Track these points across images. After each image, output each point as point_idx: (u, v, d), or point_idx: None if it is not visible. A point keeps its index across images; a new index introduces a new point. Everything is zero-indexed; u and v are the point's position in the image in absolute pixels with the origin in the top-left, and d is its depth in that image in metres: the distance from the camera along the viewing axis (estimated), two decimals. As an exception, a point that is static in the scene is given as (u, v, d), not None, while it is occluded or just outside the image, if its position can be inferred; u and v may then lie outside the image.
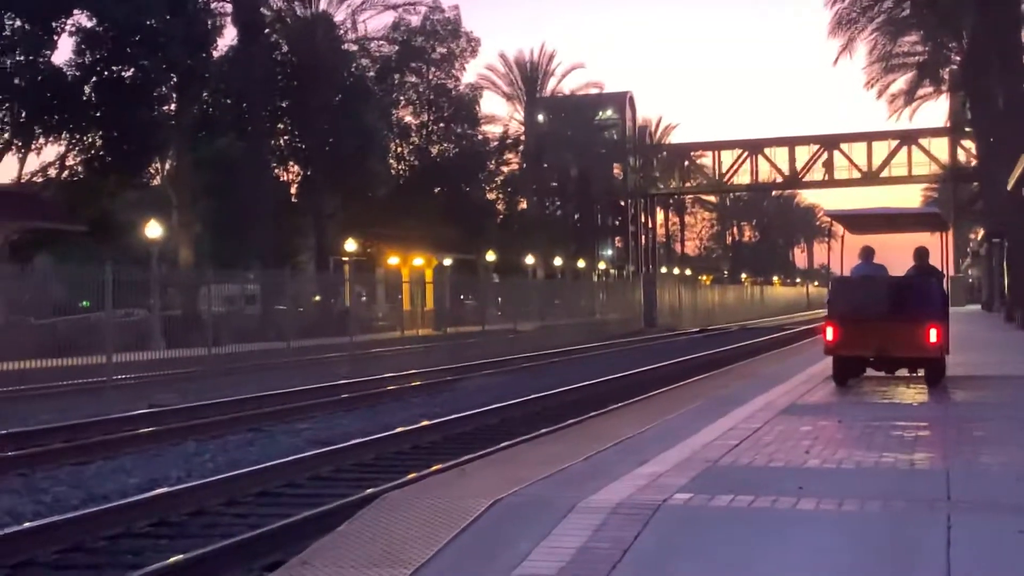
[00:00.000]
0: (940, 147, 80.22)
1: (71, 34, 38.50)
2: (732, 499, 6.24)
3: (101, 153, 39.49)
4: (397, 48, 61.51)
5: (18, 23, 36.50)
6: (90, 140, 39.69)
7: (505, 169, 76.17)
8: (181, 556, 8.55)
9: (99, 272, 25.39)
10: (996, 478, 7.03)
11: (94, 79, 38.91)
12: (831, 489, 6.51)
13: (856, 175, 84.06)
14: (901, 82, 52.00)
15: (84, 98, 38.89)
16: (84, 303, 28.73)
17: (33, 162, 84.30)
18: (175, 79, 40.95)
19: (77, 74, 38.66)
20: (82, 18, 38.45)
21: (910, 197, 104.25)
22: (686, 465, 7.57)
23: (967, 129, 64.70)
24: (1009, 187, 32.42)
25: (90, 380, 24.09)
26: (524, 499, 6.35)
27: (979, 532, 5.47)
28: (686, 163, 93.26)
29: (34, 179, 40.65)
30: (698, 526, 5.80)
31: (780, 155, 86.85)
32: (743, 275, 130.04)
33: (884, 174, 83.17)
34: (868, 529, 5.61)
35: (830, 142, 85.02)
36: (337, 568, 5.39)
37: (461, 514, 5.98)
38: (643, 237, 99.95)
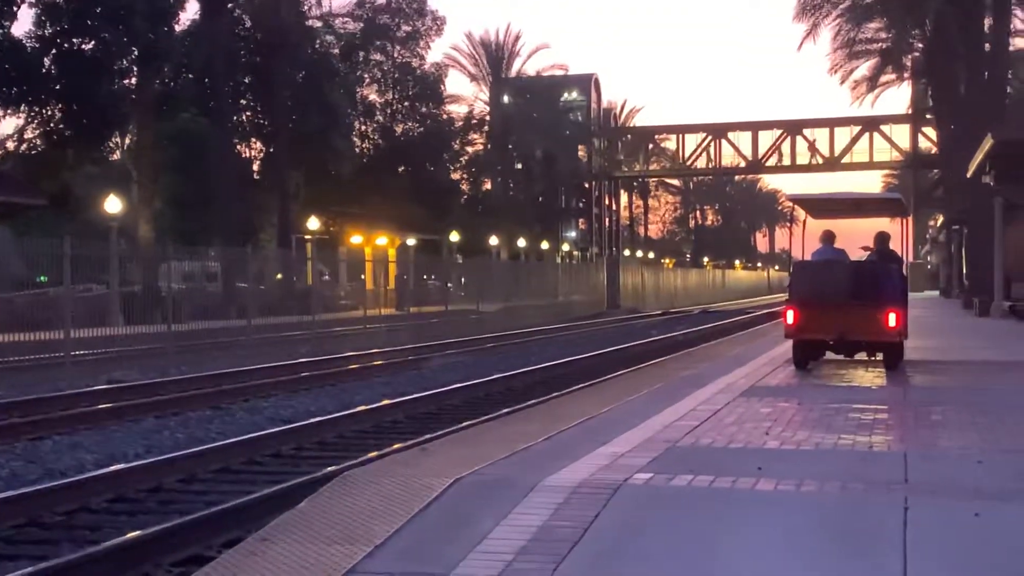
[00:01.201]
0: (902, 134, 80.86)
1: (31, 5, 38.03)
2: (692, 479, 6.27)
3: (61, 126, 39.06)
4: (362, 25, 61.22)
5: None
6: (50, 113, 39.24)
7: (470, 149, 76.14)
8: (139, 532, 8.50)
9: (58, 246, 25.09)
10: (953, 461, 7.10)
11: (54, 51, 38.44)
12: (790, 470, 6.55)
13: (818, 160, 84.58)
14: (864, 68, 52.31)
15: (44, 71, 38.42)
16: (42, 278, 28.41)
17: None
18: (136, 53, 40.50)
19: (37, 46, 38.19)
20: (42, -11, 37.99)
21: (871, 183, 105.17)
22: (647, 445, 7.60)
23: (928, 116, 65.26)
24: (969, 174, 32.71)
25: (48, 355, 23.87)
26: (486, 478, 6.35)
27: (936, 514, 5.51)
28: (650, 146, 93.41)
29: (-7, 152, 40.19)
30: (658, 506, 5.82)
31: (743, 139, 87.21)
32: (705, 259, 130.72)
33: (846, 160, 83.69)
34: (826, 510, 5.65)
35: (793, 127, 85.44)
36: (297, 545, 5.37)
37: (422, 492, 5.97)
38: (607, 219, 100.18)
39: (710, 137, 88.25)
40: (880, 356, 14.33)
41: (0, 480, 11.37)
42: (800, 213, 17.39)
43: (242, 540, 6.08)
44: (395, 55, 65.16)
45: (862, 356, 14.79)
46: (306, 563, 5.10)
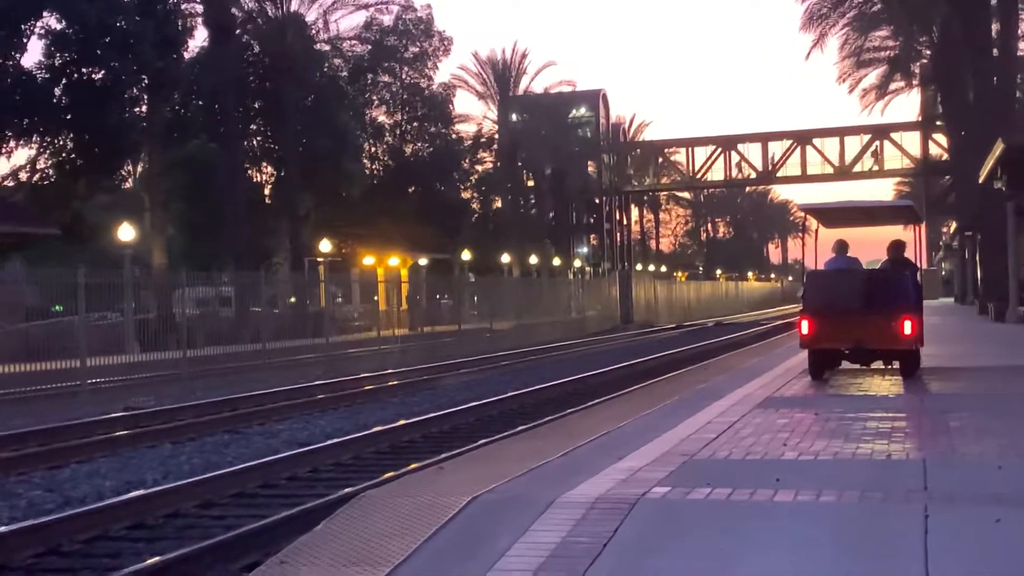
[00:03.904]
0: (912, 141, 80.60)
1: (40, 36, 38.20)
2: (710, 492, 6.24)
3: (72, 156, 39.20)
4: (370, 48, 61.52)
5: (-14, 26, 36.17)
6: (61, 143, 39.39)
7: (479, 168, 76.30)
8: (158, 558, 8.50)
9: (71, 276, 25.18)
10: (972, 468, 7.06)
11: (64, 81, 38.60)
12: (808, 481, 6.52)
13: (829, 170, 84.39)
14: (872, 77, 52.41)
15: (54, 101, 38.58)
16: (57, 307, 28.51)
17: (3, 166, 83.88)
18: (146, 81, 40.66)
19: (47, 76, 38.34)
20: (51, 20, 38.16)
21: (882, 192, 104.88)
22: (664, 459, 7.57)
23: (938, 123, 65.16)
24: (980, 180, 32.62)
25: (64, 384, 23.92)
26: (503, 495, 6.33)
27: (956, 522, 5.48)
28: (660, 160, 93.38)
29: (5, 183, 40.32)
30: (677, 519, 5.79)
31: (753, 151, 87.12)
32: (718, 271, 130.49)
33: (856, 169, 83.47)
34: (846, 520, 5.62)
35: (803, 137, 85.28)
36: (315, 567, 5.36)
37: (439, 512, 5.96)
38: (618, 234, 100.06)
39: (720, 149, 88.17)
40: (896, 364, 14.25)
41: (19, 509, 11.39)
42: (812, 223, 17.34)
43: (260, 564, 6.08)
44: (403, 76, 65.48)
45: (878, 365, 14.72)
46: (325, 585, 5.09)
